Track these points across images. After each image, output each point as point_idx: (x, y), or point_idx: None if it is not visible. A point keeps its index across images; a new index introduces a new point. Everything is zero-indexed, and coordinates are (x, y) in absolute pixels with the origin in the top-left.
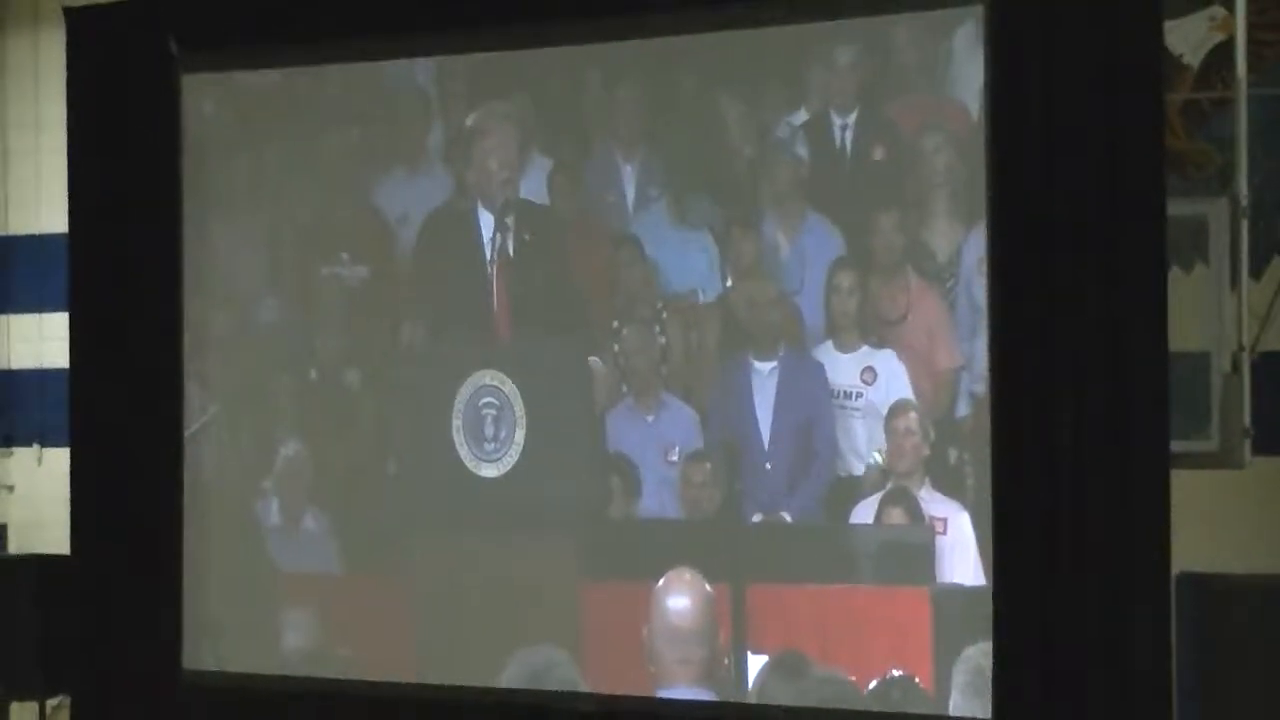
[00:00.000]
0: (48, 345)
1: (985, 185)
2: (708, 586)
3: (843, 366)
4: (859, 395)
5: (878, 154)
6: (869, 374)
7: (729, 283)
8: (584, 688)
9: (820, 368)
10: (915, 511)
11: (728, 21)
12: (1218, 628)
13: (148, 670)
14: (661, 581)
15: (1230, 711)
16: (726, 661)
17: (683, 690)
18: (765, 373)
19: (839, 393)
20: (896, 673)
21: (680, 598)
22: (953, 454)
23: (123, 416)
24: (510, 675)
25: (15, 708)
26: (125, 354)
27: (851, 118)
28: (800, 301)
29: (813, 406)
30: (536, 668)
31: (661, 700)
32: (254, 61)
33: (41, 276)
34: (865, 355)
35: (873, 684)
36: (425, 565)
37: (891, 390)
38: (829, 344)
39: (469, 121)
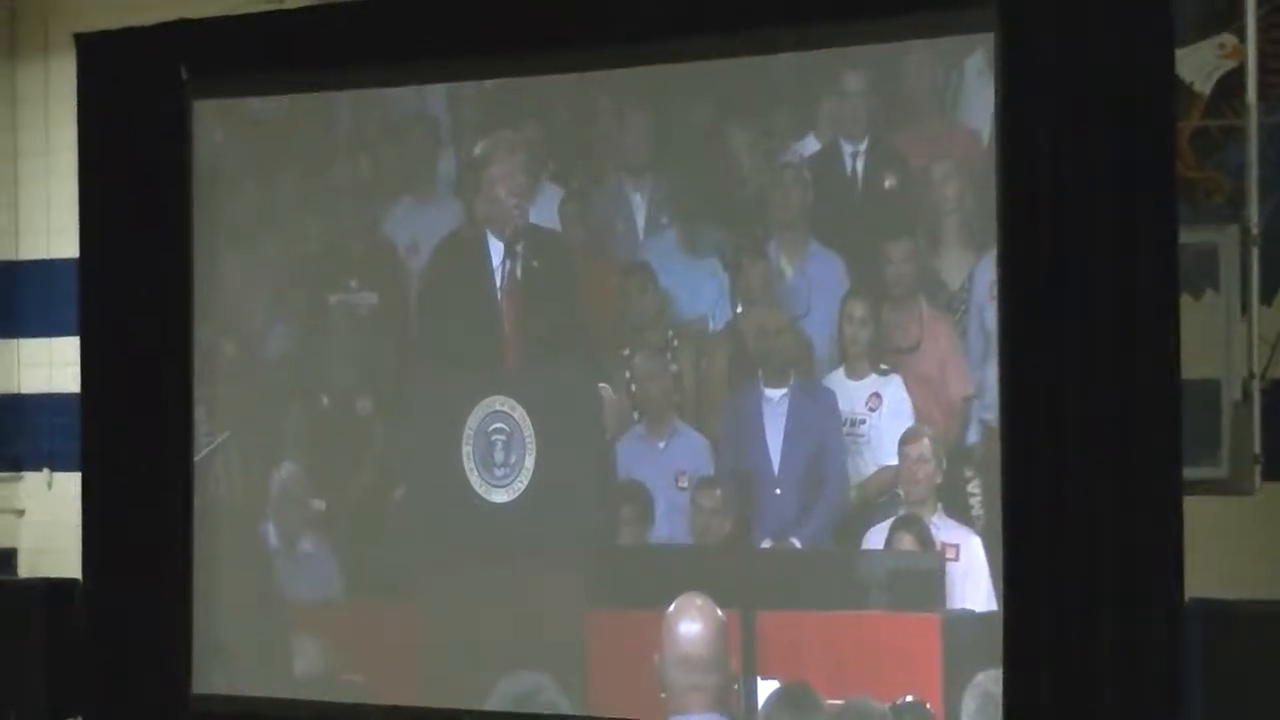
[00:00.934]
0: (58, 370)
1: (996, 212)
2: (719, 612)
3: (851, 393)
4: (863, 421)
5: (888, 182)
6: (874, 400)
7: (739, 310)
8: (571, 711)
9: (831, 395)
10: (926, 538)
11: (738, 49)
12: (1228, 654)
13: (157, 694)
14: (673, 607)
15: None
16: (736, 688)
17: (695, 717)
18: (776, 400)
19: (846, 420)
20: (908, 698)
21: (692, 623)
22: (965, 481)
23: (133, 441)
24: (497, 699)
25: None
26: (135, 379)
27: (862, 145)
28: (807, 327)
29: (823, 434)
30: (523, 690)
31: None
32: (265, 88)
33: (52, 302)
34: (873, 383)
35: (884, 709)
36: (434, 590)
37: (896, 416)
38: (839, 371)
39: (479, 149)
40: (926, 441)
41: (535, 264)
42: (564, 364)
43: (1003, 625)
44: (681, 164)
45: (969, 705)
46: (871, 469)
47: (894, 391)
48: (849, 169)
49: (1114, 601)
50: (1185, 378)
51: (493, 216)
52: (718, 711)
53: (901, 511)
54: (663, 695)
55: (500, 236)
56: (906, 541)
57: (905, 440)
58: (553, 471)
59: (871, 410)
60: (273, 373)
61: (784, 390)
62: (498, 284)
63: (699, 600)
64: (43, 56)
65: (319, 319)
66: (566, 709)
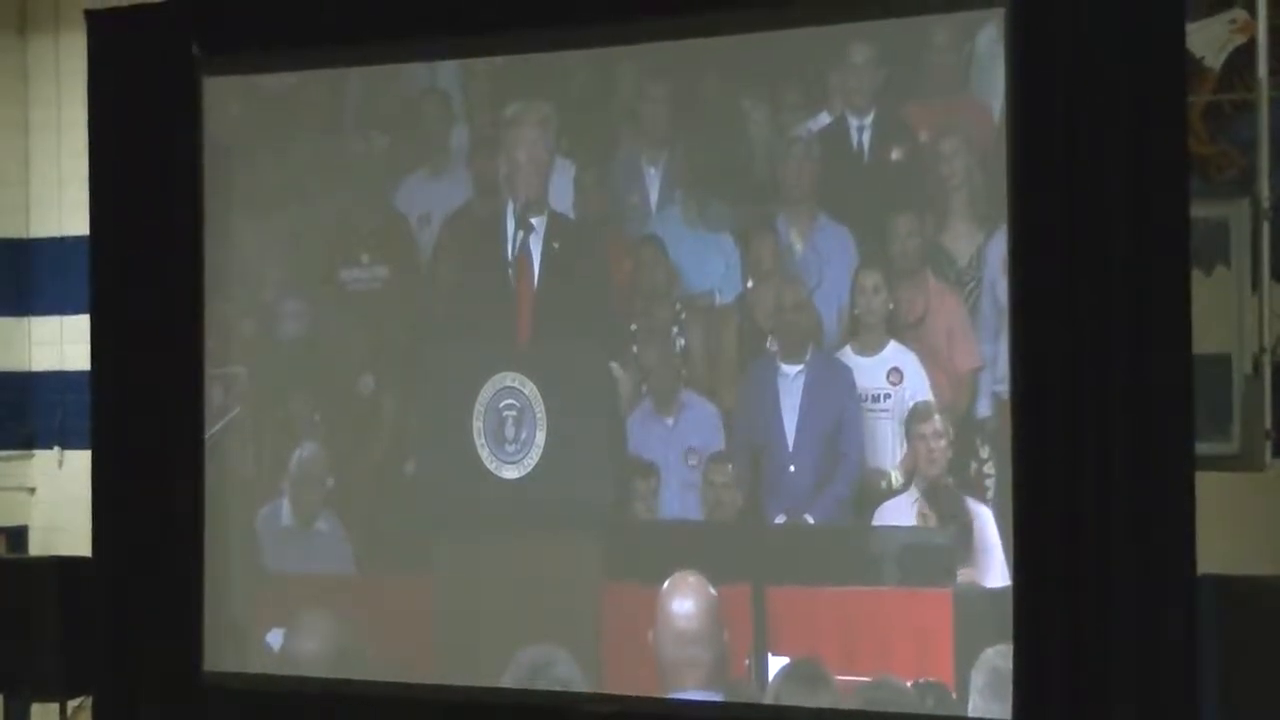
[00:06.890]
0: (69, 348)
1: (1007, 186)
2: (711, 589)
3: (867, 369)
4: (886, 397)
5: (895, 155)
6: (895, 375)
7: (749, 284)
8: (583, 686)
9: (848, 371)
10: (937, 513)
11: (751, 24)
12: (1239, 629)
13: (168, 672)
14: (666, 584)
15: (1252, 713)
16: (747, 663)
17: (692, 692)
18: (792, 376)
19: (866, 395)
20: (929, 679)
21: (683, 600)
22: (975, 455)
23: (144, 419)
24: (510, 674)
25: (36, 709)
26: (146, 356)
27: (868, 119)
28: (819, 301)
29: (840, 410)
30: (535, 664)
31: (680, 702)
32: (276, 64)
33: (63, 279)
34: (889, 357)
35: (906, 686)
36: (445, 566)
37: (918, 392)
38: (851, 346)
39: (492, 122)
40: (937, 418)
41: (551, 240)
42: (576, 340)
43: (1013, 600)
44: (696, 138)
45: (978, 681)
46: (893, 445)
47: (913, 366)
48: (855, 143)
49: (1125, 577)
50: (1196, 353)
51: (506, 190)
52: (715, 687)
53: (913, 487)
54: (660, 671)
55: (513, 210)
56: (918, 517)
57: (915, 418)
58: (564, 448)
59: (894, 385)
60: (284, 349)
61: (800, 366)
62: (509, 258)
63: (690, 577)
64: (54, 32)
65: (331, 295)
66: (579, 682)
